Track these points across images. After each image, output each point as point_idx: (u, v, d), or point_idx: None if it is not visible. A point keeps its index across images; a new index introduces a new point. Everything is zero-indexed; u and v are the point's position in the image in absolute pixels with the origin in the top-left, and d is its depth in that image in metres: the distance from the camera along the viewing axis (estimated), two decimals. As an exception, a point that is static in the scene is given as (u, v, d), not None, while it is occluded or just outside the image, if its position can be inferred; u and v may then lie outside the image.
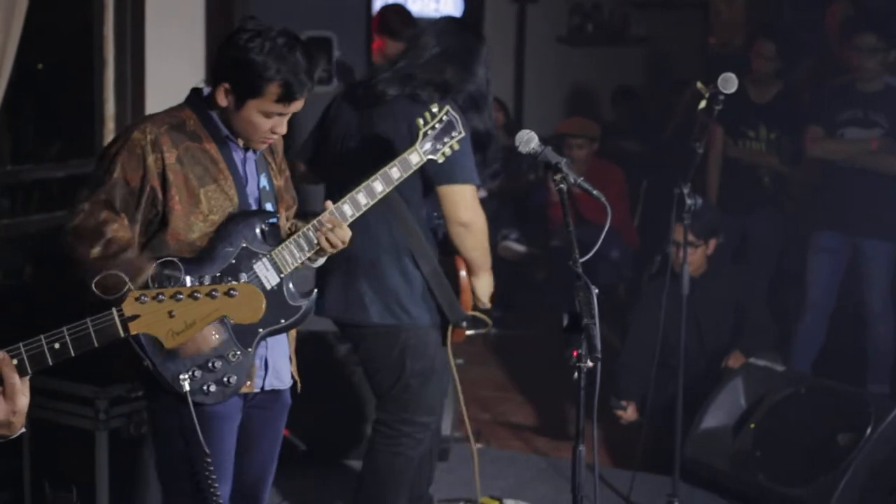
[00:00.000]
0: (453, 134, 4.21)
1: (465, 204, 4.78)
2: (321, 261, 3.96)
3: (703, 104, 5.38)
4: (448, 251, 4.93)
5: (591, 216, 7.81)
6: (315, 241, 3.82)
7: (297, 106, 3.75)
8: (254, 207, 3.84)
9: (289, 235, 3.84)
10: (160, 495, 4.04)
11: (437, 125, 4.18)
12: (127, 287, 2.50)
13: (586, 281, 3.16)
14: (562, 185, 3.47)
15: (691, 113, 8.13)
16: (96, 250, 3.57)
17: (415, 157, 4.13)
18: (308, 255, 3.82)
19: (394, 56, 5.08)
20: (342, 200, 3.91)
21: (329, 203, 3.88)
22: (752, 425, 5.97)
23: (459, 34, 4.90)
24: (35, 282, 5.68)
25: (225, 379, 3.69)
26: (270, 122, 3.73)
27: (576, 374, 4.24)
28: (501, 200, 9.32)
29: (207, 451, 3.64)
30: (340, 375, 6.20)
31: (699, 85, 5.41)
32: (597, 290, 3.13)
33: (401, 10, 7.68)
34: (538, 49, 10.86)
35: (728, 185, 7.61)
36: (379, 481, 5.03)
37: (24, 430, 2.54)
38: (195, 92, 3.88)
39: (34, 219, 7.00)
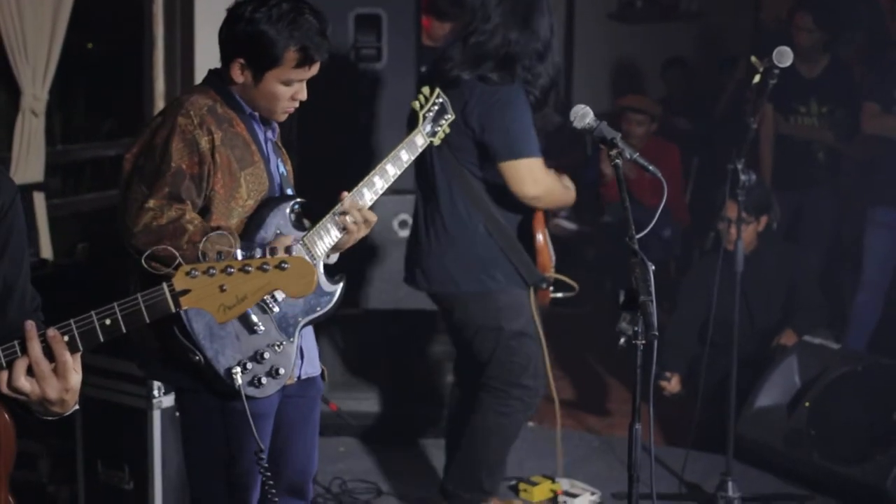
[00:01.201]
0: (446, 117, 4.25)
1: (530, 178, 4.87)
2: (334, 257, 3.90)
3: (756, 78, 5.31)
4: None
5: (642, 197, 7.74)
6: (342, 226, 3.77)
7: (315, 69, 3.70)
8: (278, 192, 3.79)
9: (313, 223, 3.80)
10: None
11: (432, 108, 4.21)
12: (177, 262, 2.46)
13: (643, 257, 3.11)
14: (617, 161, 3.42)
15: (743, 89, 8.06)
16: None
17: (420, 139, 4.15)
18: (336, 239, 3.78)
19: (454, 33, 5.06)
20: (360, 184, 3.87)
21: (345, 193, 3.82)
22: (807, 404, 5.91)
23: None
24: (87, 260, 5.70)
25: (274, 370, 3.63)
26: (291, 89, 3.69)
27: (620, 341, 4.20)
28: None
29: (262, 446, 3.59)
30: (417, 354, 6.26)
31: (753, 59, 5.34)
32: (653, 267, 3.08)
33: (449, -9, 7.62)
34: (587, 25, 10.76)
35: (782, 161, 7.51)
36: (484, 441, 5.04)
37: (77, 407, 2.53)
38: (212, 73, 3.80)
39: (86, 198, 7.04)
